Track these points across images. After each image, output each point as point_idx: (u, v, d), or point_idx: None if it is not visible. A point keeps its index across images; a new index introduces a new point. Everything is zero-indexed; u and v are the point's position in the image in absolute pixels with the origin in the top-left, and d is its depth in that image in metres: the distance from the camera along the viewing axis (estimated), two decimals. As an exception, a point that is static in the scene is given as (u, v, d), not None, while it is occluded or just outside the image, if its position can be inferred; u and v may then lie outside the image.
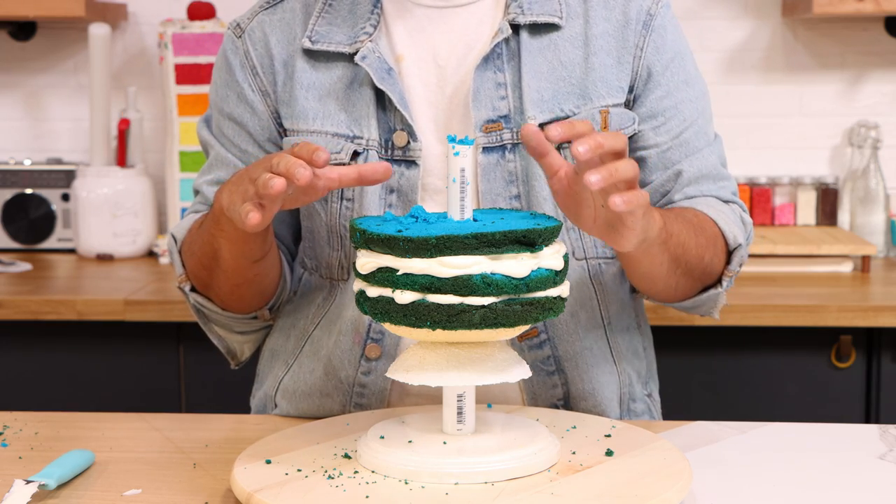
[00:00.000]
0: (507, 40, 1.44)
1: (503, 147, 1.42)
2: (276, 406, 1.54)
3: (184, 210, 2.68)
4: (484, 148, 1.42)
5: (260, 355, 1.61)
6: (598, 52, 1.45)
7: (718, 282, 1.46)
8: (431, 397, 1.44)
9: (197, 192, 1.56)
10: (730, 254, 1.45)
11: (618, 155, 1.16)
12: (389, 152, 1.43)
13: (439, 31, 1.46)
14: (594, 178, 1.12)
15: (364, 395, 1.46)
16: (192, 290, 1.50)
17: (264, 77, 1.49)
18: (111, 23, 2.76)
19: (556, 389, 1.45)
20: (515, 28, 1.44)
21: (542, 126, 1.40)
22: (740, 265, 1.47)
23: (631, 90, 1.47)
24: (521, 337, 1.43)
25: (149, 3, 2.88)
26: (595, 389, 1.46)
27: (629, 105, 1.47)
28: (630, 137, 1.47)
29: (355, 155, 1.44)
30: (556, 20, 1.44)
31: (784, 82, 2.84)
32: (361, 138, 1.44)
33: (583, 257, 1.46)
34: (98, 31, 2.67)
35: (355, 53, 1.44)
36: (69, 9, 2.61)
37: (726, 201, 1.50)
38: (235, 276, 1.45)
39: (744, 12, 2.82)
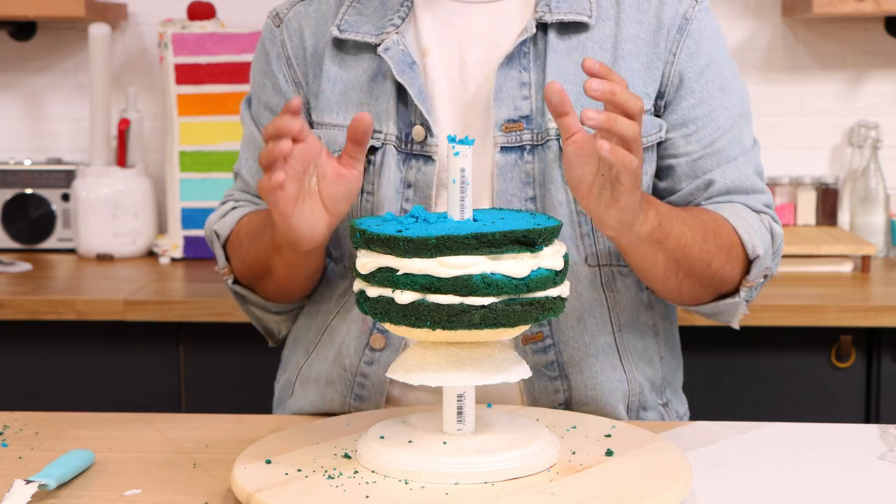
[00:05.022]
0: (534, 39, 1.42)
1: (522, 148, 1.41)
2: (292, 393, 1.54)
3: (184, 210, 2.68)
4: (502, 147, 1.41)
5: (286, 341, 1.62)
6: (627, 57, 1.43)
7: (736, 291, 1.44)
8: (432, 394, 1.44)
9: (236, 176, 1.59)
10: (749, 263, 1.43)
11: (629, 115, 1.18)
12: (408, 147, 1.43)
13: (466, 27, 1.45)
14: (606, 147, 1.15)
15: (364, 387, 1.46)
16: (235, 281, 1.53)
17: (298, 68, 1.51)
18: (111, 23, 2.76)
19: (557, 395, 1.45)
20: (544, 27, 1.43)
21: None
22: (765, 276, 1.45)
23: (661, 96, 1.45)
24: (525, 340, 1.43)
25: (149, 3, 2.88)
26: (598, 396, 1.45)
27: (659, 111, 1.45)
28: (659, 145, 1.46)
29: (372, 150, 1.44)
30: (584, 19, 1.42)
31: (784, 82, 2.84)
32: (381, 132, 1.44)
33: (596, 264, 1.44)
34: (98, 31, 2.67)
35: (380, 45, 1.44)
36: (69, 9, 2.61)
37: (757, 211, 1.47)
38: (287, 285, 1.48)
39: (744, 12, 2.82)
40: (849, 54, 2.82)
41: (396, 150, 1.43)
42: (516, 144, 1.41)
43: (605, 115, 1.16)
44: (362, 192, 1.46)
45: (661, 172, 1.47)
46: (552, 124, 1.40)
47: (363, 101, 1.46)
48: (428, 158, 1.43)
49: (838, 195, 2.78)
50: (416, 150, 1.43)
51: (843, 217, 2.79)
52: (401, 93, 1.44)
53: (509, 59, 1.41)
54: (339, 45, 1.48)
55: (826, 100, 2.84)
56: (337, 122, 1.46)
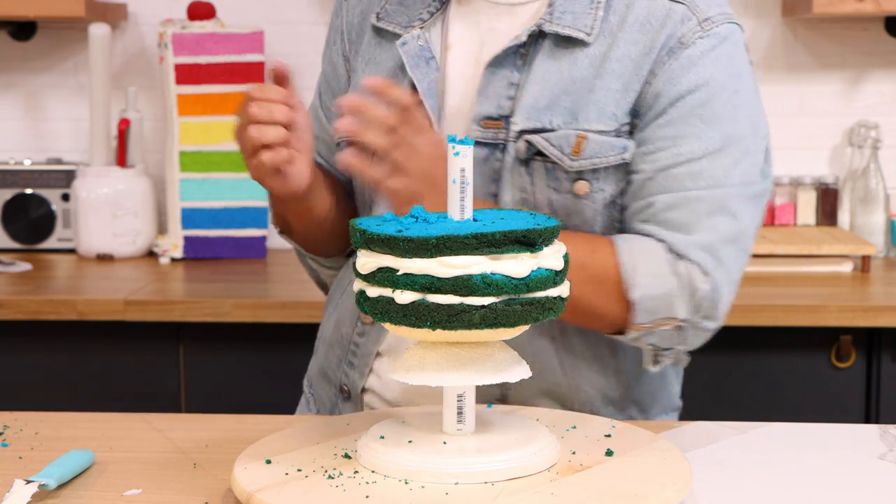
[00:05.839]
0: (536, 42, 1.42)
1: (495, 145, 1.41)
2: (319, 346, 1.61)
3: (184, 210, 2.68)
4: (476, 142, 1.41)
5: None
6: (606, 76, 1.39)
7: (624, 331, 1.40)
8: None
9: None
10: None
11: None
12: None
13: (489, 28, 1.46)
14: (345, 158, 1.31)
15: (356, 355, 1.50)
16: (281, 231, 1.59)
17: (348, 44, 1.55)
18: (111, 23, 2.76)
19: (493, 388, 1.45)
20: (544, 33, 1.42)
21: (523, 132, 1.40)
22: (679, 328, 1.40)
23: (637, 115, 1.40)
24: None
25: (149, 3, 2.88)
26: (532, 396, 1.45)
27: (633, 130, 1.41)
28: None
29: None
30: (581, 36, 1.40)
31: (784, 82, 2.84)
32: None
33: None
34: (98, 31, 2.67)
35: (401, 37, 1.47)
36: (69, 9, 2.61)
37: (679, 255, 1.38)
38: (303, 238, 1.56)
39: (744, 12, 2.82)
40: (849, 54, 2.82)
41: None
42: (490, 141, 1.41)
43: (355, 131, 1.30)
44: None
45: (626, 187, 1.43)
46: (515, 126, 1.41)
47: None
48: None
49: (838, 195, 2.79)
50: None
51: (843, 217, 2.80)
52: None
53: (498, 59, 1.42)
54: (377, 29, 1.51)
55: (826, 100, 2.84)
56: None
